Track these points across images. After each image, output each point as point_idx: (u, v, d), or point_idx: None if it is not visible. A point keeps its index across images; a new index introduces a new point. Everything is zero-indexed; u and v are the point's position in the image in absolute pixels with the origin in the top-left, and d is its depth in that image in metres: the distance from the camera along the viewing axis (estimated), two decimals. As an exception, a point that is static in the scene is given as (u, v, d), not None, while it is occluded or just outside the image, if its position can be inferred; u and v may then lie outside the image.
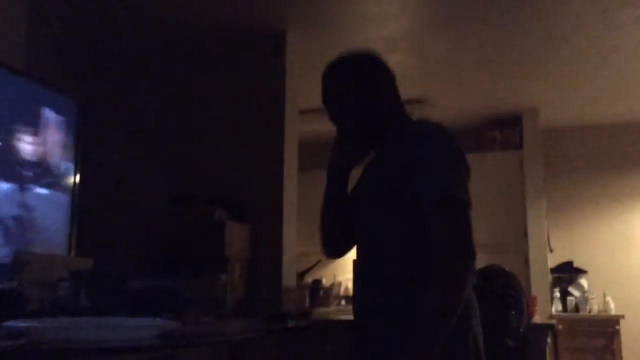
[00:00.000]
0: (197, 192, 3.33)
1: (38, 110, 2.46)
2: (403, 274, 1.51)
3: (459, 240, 1.41)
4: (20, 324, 1.40)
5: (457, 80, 4.57)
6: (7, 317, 1.44)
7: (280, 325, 2.43)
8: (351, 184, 1.74)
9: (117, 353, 1.25)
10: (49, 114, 2.49)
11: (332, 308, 4.15)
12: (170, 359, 1.41)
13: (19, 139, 2.36)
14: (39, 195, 2.51)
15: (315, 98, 5.20)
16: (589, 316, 5.08)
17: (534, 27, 3.72)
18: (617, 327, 4.93)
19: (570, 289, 5.21)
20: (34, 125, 2.43)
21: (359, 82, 1.65)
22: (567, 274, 5.26)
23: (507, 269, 3.04)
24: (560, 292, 5.25)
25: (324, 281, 4.43)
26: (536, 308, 3.93)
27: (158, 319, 1.62)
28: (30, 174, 2.47)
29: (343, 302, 4.61)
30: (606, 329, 4.94)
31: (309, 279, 4.29)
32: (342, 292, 5.00)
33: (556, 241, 5.33)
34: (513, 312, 2.89)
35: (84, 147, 2.54)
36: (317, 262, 4.36)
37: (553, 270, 5.23)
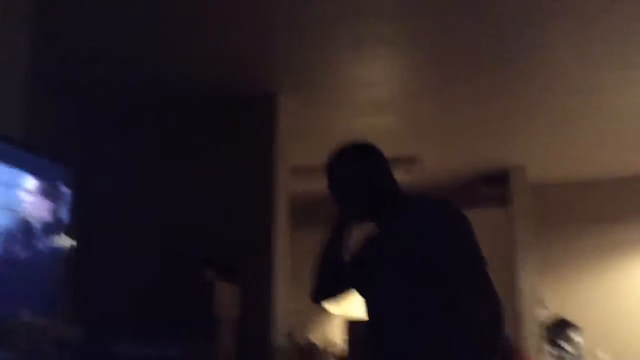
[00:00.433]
0: (187, 252, 3.34)
1: (30, 176, 2.49)
2: (436, 335, 1.62)
3: (496, 295, 1.58)
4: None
5: (444, 140, 4.65)
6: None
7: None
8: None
9: None
10: (41, 181, 2.52)
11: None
12: None
13: (12, 207, 2.39)
14: (30, 260, 2.51)
15: (305, 156, 5.31)
16: (582, 373, 5.02)
17: (519, 86, 3.82)
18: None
19: (564, 345, 5.16)
20: (27, 191, 2.46)
21: (359, 164, 1.85)
22: (560, 329, 5.23)
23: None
24: (554, 348, 5.20)
25: (316, 341, 4.40)
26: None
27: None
28: (22, 238, 2.48)
29: (336, 361, 4.56)
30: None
31: (301, 339, 4.25)
32: (335, 350, 4.94)
33: (549, 297, 5.31)
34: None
35: (78, 213, 2.57)
36: (309, 321, 4.33)
37: (546, 327, 5.20)
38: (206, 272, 3.15)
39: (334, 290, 1.95)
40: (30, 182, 2.46)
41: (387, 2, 2.91)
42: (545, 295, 5.25)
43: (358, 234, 1.93)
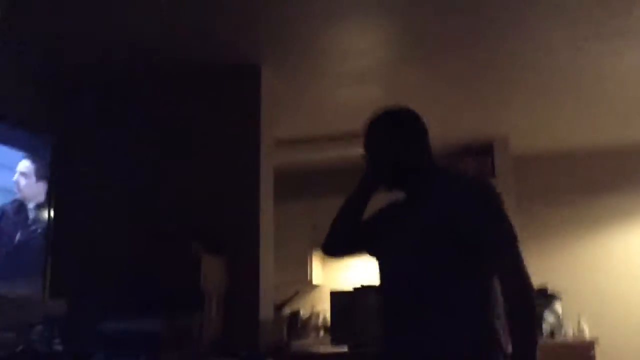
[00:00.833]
0: (174, 226, 3.32)
1: (10, 150, 2.44)
2: (464, 306, 1.65)
3: (528, 274, 1.65)
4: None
5: (428, 112, 4.52)
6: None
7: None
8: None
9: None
10: (21, 154, 2.48)
11: (310, 340, 4.15)
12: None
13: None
14: (13, 234, 2.48)
15: (291, 129, 5.27)
16: (564, 342, 5.12)
17: (503, 58, 3.81)
18: (592, 352, 4.97)
19: (545, 315, 5.25)
20: (7, 166, 2.41)
21: (398, 129, 1.87)
22: (541, 299, 5.31)
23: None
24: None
25: (302, 312, 4.43)
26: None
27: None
28: (3, 213, 2.45)
29: (322, 332, 4.60)
30: (582, 353, 4.98)
31: (287, 310, 4.27)
32: (321, 322, 4.98)
33: (531, 267, 5.37)
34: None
35: (58, 186, 2.53)
36: (295, 294, 4.35)
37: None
38: (192, 246, 3.13)
39: (347, 246, 1.99)
40: (14, 157, 2.42)
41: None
42: (527, 266, 5.31)
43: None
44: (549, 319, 5.23)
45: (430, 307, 1.66)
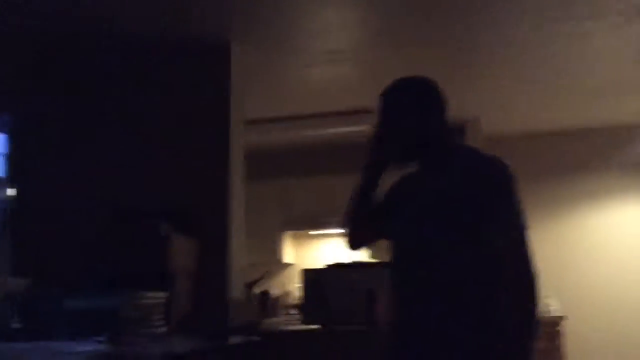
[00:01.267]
0: (141, 205, 3.29)
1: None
2: (470, 288, 1.61)
3: (533, 263, 1.61)
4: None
5: (400, 91, 4.63)
6: None
7: (222, 342, 2.41)
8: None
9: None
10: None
11: (281, 318, 4.15)
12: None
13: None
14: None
15: (262, 108, 5.21)
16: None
17: (473, 39, 3.82)
18: (559, 327, 5.07)
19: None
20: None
21: (413, 105, 1.76)
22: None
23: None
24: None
25: (272, 292, 4.43)
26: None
27: (91, 341, 1.58)
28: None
29: (293, 311, 4.61)
30: (549, 330, 5.08)
31: (257, 290, 4.27)
32: (291, 301, 4.99)
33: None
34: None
35: (19, 163, 2.47)
36: (265, 273, 4.35)
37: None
38: (161, 225, 3.11)
39: (371, 236, 1.91)
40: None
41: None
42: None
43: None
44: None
45: (449, 286, 1.62)
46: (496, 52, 4.03)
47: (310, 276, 3.67)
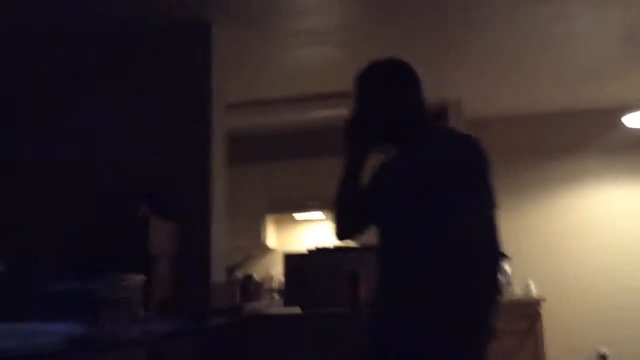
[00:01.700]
0: (122, 188, 3.25)
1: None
2: (438, 269, 1.63)
3: (498, 242, 1.64)
4: None
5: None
6: None
7: (202, 323, 2.40)
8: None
9: (21, 362, 1.21)
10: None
11: (263, 302, 4.16)
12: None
13: None
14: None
15: (244, 91, 5.17)
16: (511, 300, 5.28)
17: (456, 21, 3.82)
18: (537, 309, 5.14)
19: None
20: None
21: (387, 86, 1.77)
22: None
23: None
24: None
25: (255, 275, 4.42)
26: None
27: (69, 323, 1.57)
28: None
29: (275, 295, 4.62)
30: (528, 312, 5.14)
31: (239, 274, 4.27)
32: (274, 285, 5.00)
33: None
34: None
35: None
36: (247, 257, 4.34)
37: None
38: (140, 208, 3.08)
39: (359, 224, 1.90)
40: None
41: None
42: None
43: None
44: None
45: (427, 273, 1.65)
46: (478, 35, 4.03)
47: (293, 260, 3.66)
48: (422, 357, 1.60)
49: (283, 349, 3.18)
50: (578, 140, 5.79)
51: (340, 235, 1.91)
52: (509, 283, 5.34)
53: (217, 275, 3.45)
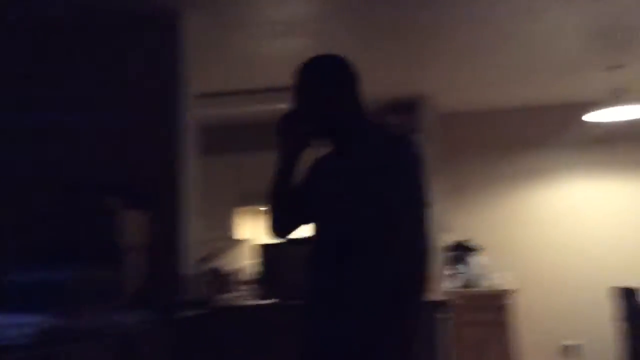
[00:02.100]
0: (90, 179, 3.20)
1: None
2: (367, 263, 1.66)
3: (428, 238, 1.66)
4: None
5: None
6: None
7: (173, 315, 2.38)
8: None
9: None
10: None
11: (235, 294, 4.13)
12: (47, 357, 1.34)
13: None
14: None
15: (215, 81, 5.12)
16: (479, 291, 5.35)
17: (428, 15, 3.82)
18: (508, 300, 5.21)
19: (466, 266, 5.45)
20: None
21: (324, 82, 1.80)
22: (463, 251, 5.51)
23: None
24: (457, 269, 5.49)
25: (225, 268, 4.39)
26: (430, 285, 4.06)
27: (39, 315, 1.53)
28: None
29: (246, 287, 4.59)
30: (498, 303, 5.22)
31: (209, 266, 4.23)
32: (245, 277, 4.97)
33: (456, 221, 5.57)
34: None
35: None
36: (218, 249, 4.31)
37: (450, 248, 5.47)
38: (109, 199, 3.03)
39: (295, 220, 1.89)
40: None
41: None
42: (452, 219, 5.49)
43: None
44: (465, 270, 5.43)
45: (353, 267, 1.68)
46: (451, 29, 4.04)
47: (267, 251, 3.65)
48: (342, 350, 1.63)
49: (255, 340, 3.17)
50: (550, 133, 5.88)
51: (275, 231, 1.91)
52: (482, 275, 5.41)
53: (188, 267, 3.41)
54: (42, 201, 3.11)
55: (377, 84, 5.14)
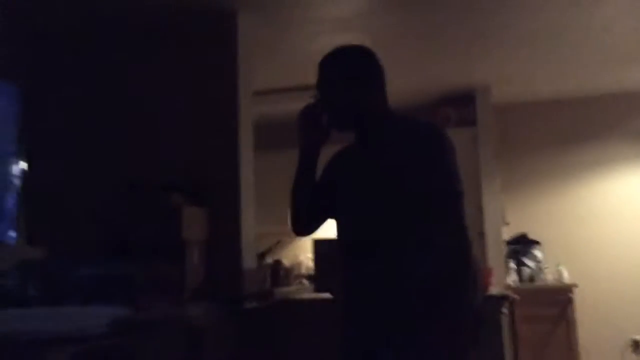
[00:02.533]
0: (153, 177, 3.30)
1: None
2: (399, 259, 1.60)
3: (464, 229, 1.59)
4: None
5: (409, 59, 4.59)
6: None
7: (237, 307, 2.44)
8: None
9: (66, 343, 1.24)
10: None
11: (293, 287, 4.19)
12: (120, 347, 1.40)
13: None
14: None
15: (270, 79, 5.19)
16: (543, 286, 5.24)
17: (486, 6, 3.76)
18: (570, 295, 5.09)
19: (525, 260, 5.35)
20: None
21: (348, 71, 1.75)
22: (521, 245, 5.40)
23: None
24: (516, 263, 5.39)
25: (284, 261, 4.46)
26: (492, 280, 4.02)
27: (110, 306, 1.60)
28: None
29: (305, 281, 4.65)
30: (560, 298, 5.10)
31: (269, 260, 4.30)
32: (303, 271, 5.03)
33: (512, 215, 5.46)
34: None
35: (30, 133, 2.47)
36: (277, 243, 4.37)
37: (508, 243, 5.37)
38: (172, 196, 3.12)
39: (318, 216, 1.86)
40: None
41: None
42: (507, 213, 5.39)
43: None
44: (528, 263, 5.33)
45: (394, 258, 1.63)
46: (507, 19, 3.96)
47: (322, 246, 3.69)
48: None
49: (313, 333, 3.20)
50: (607, 125, 5.69)
51: (298, 228, 1.87)
52: (540, 270, 5.30)
53: (248, 261, 3.48)
54: (108, 198, 3.23)
55: (431, 77, 5.13)
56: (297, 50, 4.33)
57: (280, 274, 3.95)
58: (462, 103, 5.45)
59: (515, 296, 4.25)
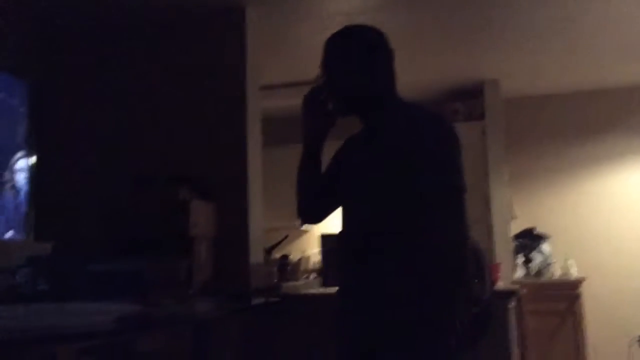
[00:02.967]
0: (160, 171, 3.31)
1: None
2: (401, 251, 1.57)
3: (463, 226, 1.54)
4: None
5: (417, 54, 4.57)
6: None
7: (245, 303, 2.44)
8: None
9: (75, 339, 1.25)
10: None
11: (300, 282, 4.20)
12: (128, 343, 1.41)
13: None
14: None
15: (278, 73, 5.18)
16: (551, 280, 5.22)
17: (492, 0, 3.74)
18: (578, 290, 5.07)
19: (532, 255, 5.33)
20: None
21: (355, 51, 1.66)
22: (529, 239, 5.38)
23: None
24: (523, 257, 5.37)
25: (291, 256, 4.47)
26: (499, 275, 4.01)
27: (118, 302, 1.61)
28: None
29: (312, 276, 4.66)
30: (568, 292, 5.08)
31: (277, 254, 4.31)
32: (310, 266, 5.04)
33: (520, 208, 5.44)
34: (476, 281, 2.96)
35: (39, 128, 2.49)
36: (285, 238, 4.38)
37: (516, 237, 5.35)
38: (180, 191, 3.13)
39: (325, 205, 1.81)
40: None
41: None
42: (515, 207, 5.37)
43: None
44: (536, 258, 5.31)
45: (390, 252, 1.59)
46: (516, 12, 3.94)
47: (329, 241, 3.69)
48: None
49: (321, 328, 3.21)
50: (617, 118, 5.64)
51: (305, 217, 1.83)
52: (548, 264, 5.28)
53: (256, 255, 3.49)
54: (115, 193, 3.24)
55: (439, 71, 5.11)
56: (306, 44, 4.32)
57: (287, 269, 3.96)
58: (471, 97, 5.43)
59: (523, 290, 4.24)
